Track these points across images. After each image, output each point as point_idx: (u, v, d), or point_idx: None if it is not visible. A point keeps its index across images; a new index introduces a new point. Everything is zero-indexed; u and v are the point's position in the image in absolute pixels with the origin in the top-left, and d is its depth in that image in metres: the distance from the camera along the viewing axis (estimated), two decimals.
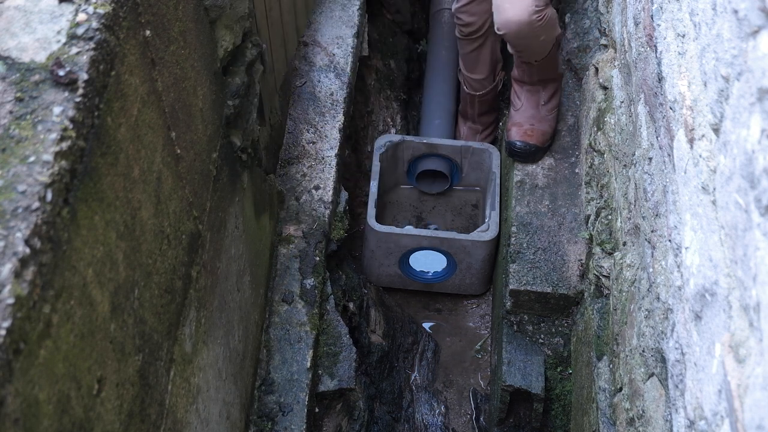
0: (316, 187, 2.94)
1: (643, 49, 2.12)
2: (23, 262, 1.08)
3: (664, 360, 1.79)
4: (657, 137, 1.93)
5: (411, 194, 3.52)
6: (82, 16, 1.33)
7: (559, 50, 3.05)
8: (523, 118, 3.11)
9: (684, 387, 1.58)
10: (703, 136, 1.49)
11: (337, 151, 3.02)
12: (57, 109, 1.22)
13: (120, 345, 1.41)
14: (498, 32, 2.84)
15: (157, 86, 1.58)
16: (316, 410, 2.66)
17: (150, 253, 1.56)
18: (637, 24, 2.22)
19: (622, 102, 2.46)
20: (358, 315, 3.03)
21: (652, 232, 1.95)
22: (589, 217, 2.72)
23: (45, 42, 1.31)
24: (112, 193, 1.37)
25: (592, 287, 2.57)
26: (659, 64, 1.90)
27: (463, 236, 3.11)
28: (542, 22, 2.78)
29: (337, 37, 3.29)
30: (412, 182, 3.47)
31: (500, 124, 3.47)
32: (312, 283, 2.73)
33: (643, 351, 1.93)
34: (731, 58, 1.25)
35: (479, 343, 3.29)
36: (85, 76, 1.26)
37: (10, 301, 1.04)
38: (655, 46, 1.96)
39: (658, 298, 1.83)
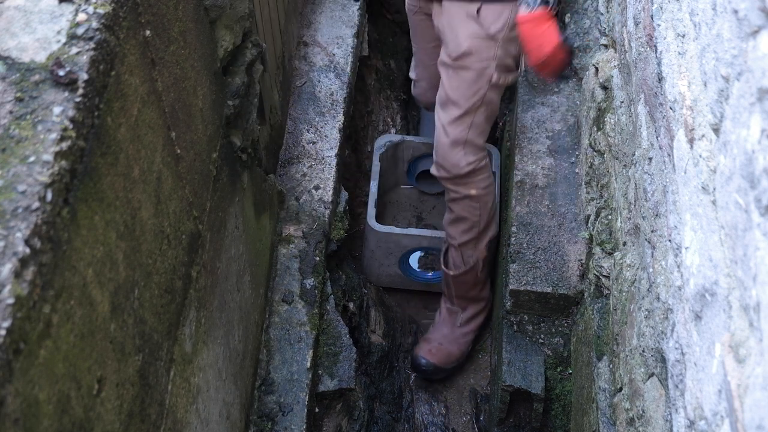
0: (316, 187, 2.94)
1: (643, 49, 2.12)
2: (23, 262, 1.08)
3: (664, 360, 1.79)
4: (657, 137, 1.93)
5: (411, 194, 3.51)
6: (82, 16, 1.33)
7: (485, 272, 3.02)
8: (435, 335, 3.13)
9: (684, 387, 1.58)
10: (703, 136, 1.49)
11: (337, 151, 3.02)
12: (57, 109, 1.22)
13: (120, 345, 1.41)
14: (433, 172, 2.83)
15: (157, 86, 1.58)
16: (316, 410, 2.66)
17: (150, 253, 1.56)
18: (637, 24, 2.22)
19: (622, 102, 2.46)
20: (358, 315, 3.03)
21: (652, 232, 1.95)
22: (589, 217, 2.72)
23: (45, 42, 1.31)
24: (112, 193, 1.37)
25: (592, 287, 2.57)
26: (659, 64, 1.90)
27: None
28: (478, 172, 2.75)
29: (337, 37, 3.29)
30: (412, 182, 3.47)
31: (500, 123, 3.47)
32: (312, 283, 2.73)
33: (643, 351, 1.93)
34: (731, 58, 1.25)
35: (479, 343, 3.29)
36: (85, 76, 1.26)
37: (10, 301, 1.04)
38: (655, 46, 1.96)
39: (658, 298, 1.83)
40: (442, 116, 2.72)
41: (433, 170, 2.83)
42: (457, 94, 2.65)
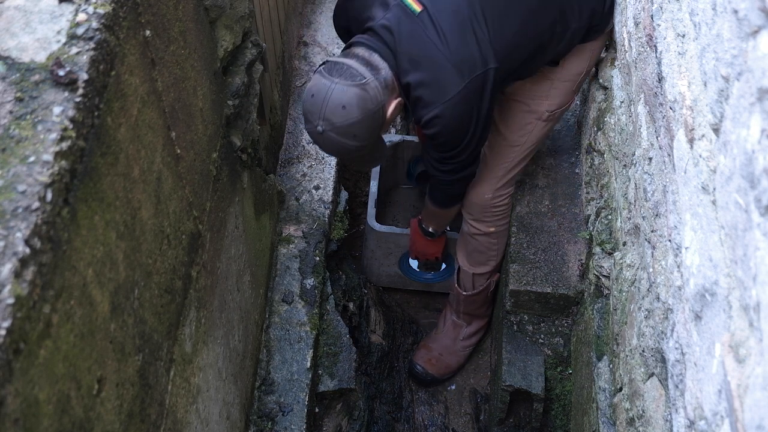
0: (316, 187, 2.93)
1: (643, 49, 2.12)
2: (23, 262, 1.08)
3: (664, 360, 1.79)
4: (657, 137, 1.93)
5: (411, 194, 3.51)
6: (82, 16, 1.33)
7: (489, 294, 3.06)
8: (436, 345, 3.18)
9: (684, 387, 1.58)
10: (703, 136, 1.49)
11: None
12: (57, 109, 1.22)
13: (120, 345, 1.41)
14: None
15: (157, 86, 1.58)
16: (316, 410, 2.66)
17: (150, 253, 1.56)
18: (637, 24, 2.23)
19: (622, 102, 2.46)
20: (358, 315, 3.03)
21: (652, 232, 1.95)
22: (589, 217, 2.72)
23: (45, 42, 1.31)
24: (112, 193, 1.37)
25: (592, 287, 2.57)
26: (659, 64, 1.90)
27: None
28: (501, 207, 2.76)
29: (338, 37, 3.29)
30: (412, 182, 3.47)
31: None
32: (312, 283, 2.73)
33: (643, 351, 1.93)
34: (731, 58, 1.25)
35: (479, 345, 3.29)
36: (85, 76, 1.26)
37: (10, 301, 1.04)
38: (655, 46, 1.96)
39: (658, 298, 1.83)
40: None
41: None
42: (503, 125, 2.62)
